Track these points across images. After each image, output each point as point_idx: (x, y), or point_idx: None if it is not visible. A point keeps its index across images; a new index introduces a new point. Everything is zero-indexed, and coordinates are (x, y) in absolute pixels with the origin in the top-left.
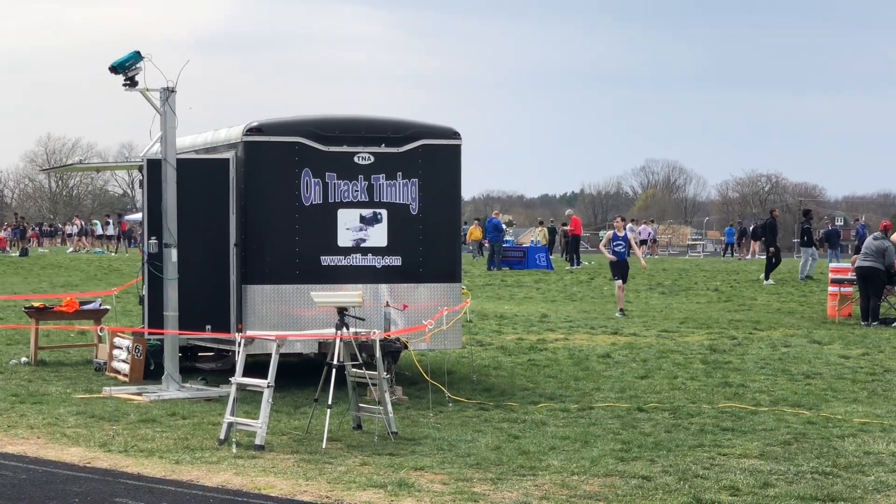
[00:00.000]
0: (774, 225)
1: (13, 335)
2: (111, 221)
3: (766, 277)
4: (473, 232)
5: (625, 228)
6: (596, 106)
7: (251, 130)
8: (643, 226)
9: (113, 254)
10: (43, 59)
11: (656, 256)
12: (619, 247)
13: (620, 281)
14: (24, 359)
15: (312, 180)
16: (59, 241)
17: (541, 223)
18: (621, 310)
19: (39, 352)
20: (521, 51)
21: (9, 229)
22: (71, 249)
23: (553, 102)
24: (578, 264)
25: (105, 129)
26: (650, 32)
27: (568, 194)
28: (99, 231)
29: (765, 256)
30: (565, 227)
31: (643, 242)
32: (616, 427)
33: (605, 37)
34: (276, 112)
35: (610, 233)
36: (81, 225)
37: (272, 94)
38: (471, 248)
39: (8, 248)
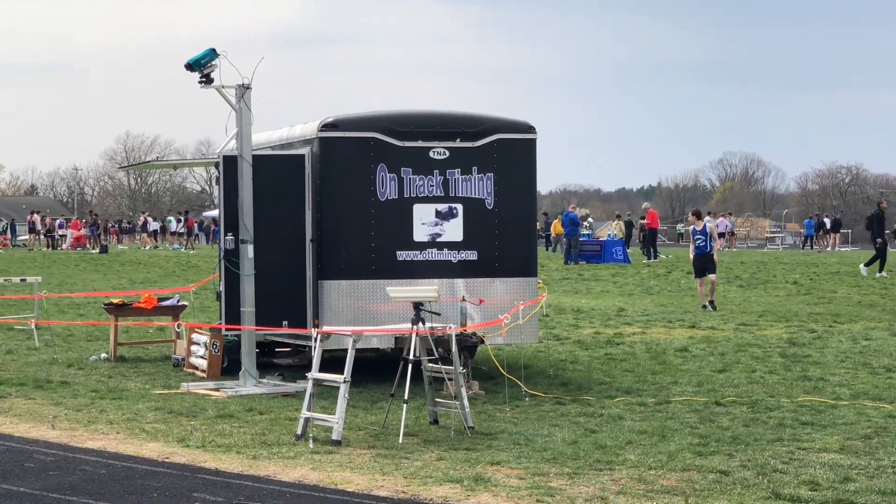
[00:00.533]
0: (882, 217)
1: (93, 331)
2: (182, 218)
3: (867, 265)
4: (556, 226)
5: (703, 221)
6: (673, 99)
7: (326, 126)
8: (721, 218)
9: (191, 251)
10: (121, 57)
11: (734, 249)
12: (700, 241)
13: (708, 276)
14: (103, 355)
15: (388, 175)
16: (137, 237)
17: (618, 217)
18: (710, 302)
19: (119, 348)
20: (598, 44)
21: (87, 227)
22: (149, 246)
23: (630, 95)
24: (656, 258)
25: (183, 127)
26: (728, 25)
27: (645, 187)
28: (174, 228)
29: (848, 248)
30: (643, 221)
31: (721, 235)
32: (693, 421)
33: (683, 29)
34: (346, 108)
35: (689, 228)
36: (145, 220)
37: (341, 91)
38: (553, 241)
39: (88, 246)
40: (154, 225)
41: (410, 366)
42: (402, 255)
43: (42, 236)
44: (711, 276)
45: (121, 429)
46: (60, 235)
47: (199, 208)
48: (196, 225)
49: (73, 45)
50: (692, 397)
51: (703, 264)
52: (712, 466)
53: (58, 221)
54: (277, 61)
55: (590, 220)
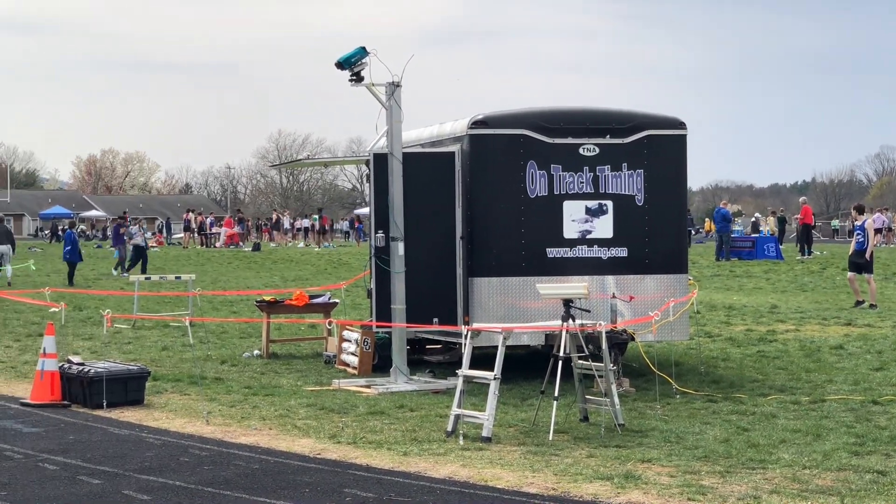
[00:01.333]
0: None
1: (246, 328)
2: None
3: None
4: (709, 223)
5: (863, 217)
6: (828, 92)
7: (477, 123)
8: (877, 214)
9: (326, 247)
10: (272, 57)
11: (892, 246)
12: (859, 236)
13: (852, 273)
14: (256, 352)
15: (538, 172)
16: (289, 236)
17: (772, 213)
18: (868, 304)
19: (271, 345)
20: (750, 38)
21: (238, 224)
22: (301, 244)
23: (783, 90)
24: (810, 254)
25: (334, 124)
26: (884, 16)
27: (798, 183)
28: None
29: None
30: (797, 217)
31: (877, 231)
32: (849, 420)
33: (838, 22)
34: (495, 105)
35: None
36: (278, 218)
37: (491, 87)
38: (707, 237)
39: (241, 243)
40: (304, 222)
41: (561, 363)
42: (553, 252)
43: (196, 234)
44: (866, 276)
45: (273, 425)
46: (213, 233)
47: (349, 206)
48: (346, 222)
49: (224, 45)
50: (848, 396)
51: (858, 261)
52: (869, 466)
53: (208, 220)
54: (425, 58)
55: (756, 215)
